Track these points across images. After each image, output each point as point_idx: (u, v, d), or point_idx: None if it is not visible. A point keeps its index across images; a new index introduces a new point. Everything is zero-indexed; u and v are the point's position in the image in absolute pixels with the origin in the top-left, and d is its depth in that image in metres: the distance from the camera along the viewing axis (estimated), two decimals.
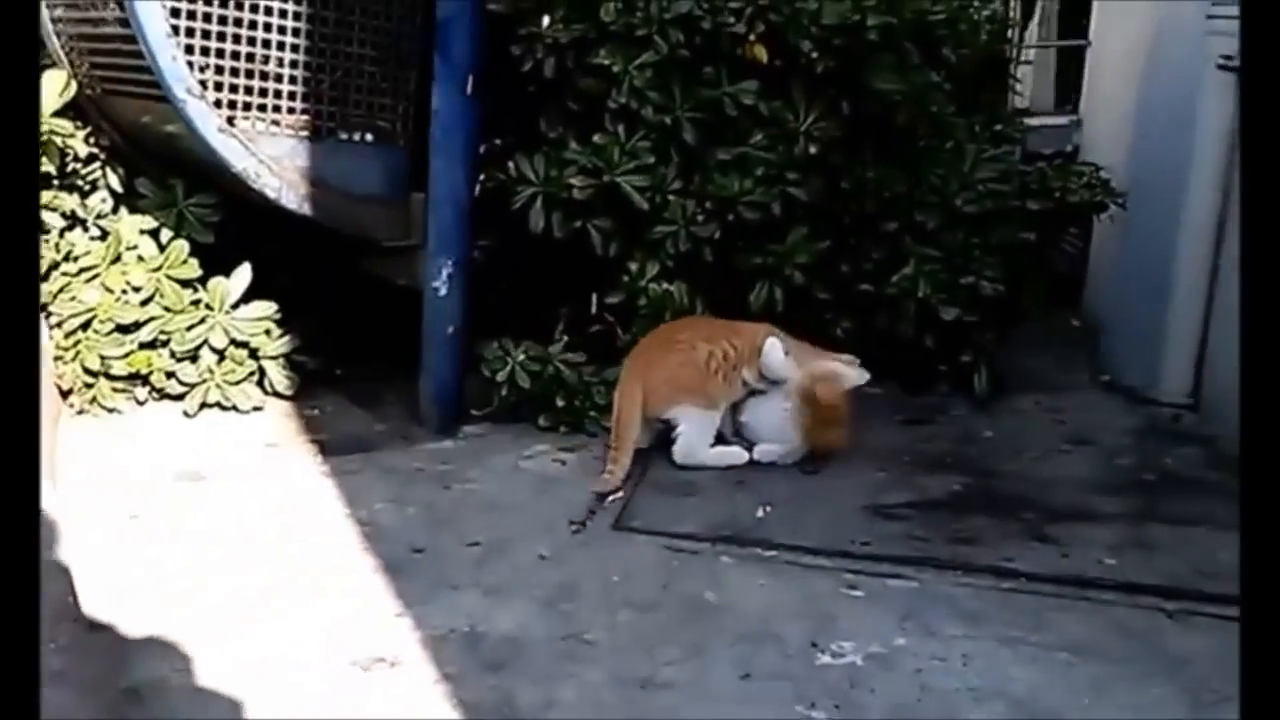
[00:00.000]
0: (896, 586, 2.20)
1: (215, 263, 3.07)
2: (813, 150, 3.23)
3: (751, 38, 3.21)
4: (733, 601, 2.12)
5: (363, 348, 3.41)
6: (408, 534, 2.34)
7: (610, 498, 2.58)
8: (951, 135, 3.58)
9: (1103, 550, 2.38)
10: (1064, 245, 4.16)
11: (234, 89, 2.75)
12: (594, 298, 3.35)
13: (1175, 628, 2.08)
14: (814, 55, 3.20)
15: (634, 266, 3.15)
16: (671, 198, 3.16)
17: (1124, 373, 4.77)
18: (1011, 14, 4.59)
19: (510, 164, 3.12)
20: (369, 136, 2.92)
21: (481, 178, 3.13)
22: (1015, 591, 2.20)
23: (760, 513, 2.52)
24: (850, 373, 2.88)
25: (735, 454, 2.81)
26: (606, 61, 3.09)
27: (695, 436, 2.77)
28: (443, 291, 2.86)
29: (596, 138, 3.11)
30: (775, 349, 2.80)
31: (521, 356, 2.98)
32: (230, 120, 2.74)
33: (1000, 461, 2.90)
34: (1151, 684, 1.88)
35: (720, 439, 2.84)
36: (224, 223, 3.11)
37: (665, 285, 3.13)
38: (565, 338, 3.19)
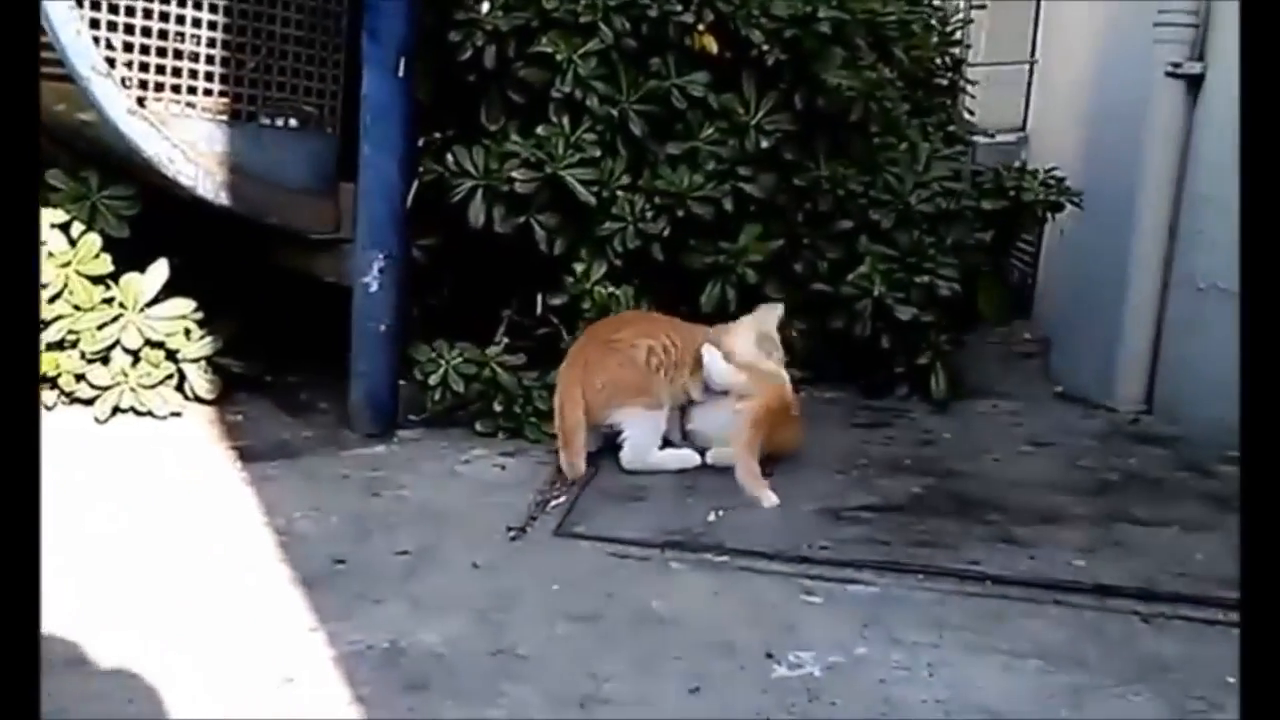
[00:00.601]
0: (856, 592, 2.06)
1: (131, 259, 2.86)
2: (764, 144, 3.12)
3: (700, 27, 3.10)
4: (682, 611, 1.96)
5: (293, 350, 3.22)
6: (329, 543, 2.16)
7: (552, 503, 2.42)
8: (904, 134, 3.50)
9: (1071, 552, 2.25)
10: (1013, 260, 4.12)
11: (145, 68, 2.56)
12: (539, 299, 3.21)
13: (1152, 632, 1.96)
14: (765, 47, 3.10)
15: (579, 267, 3.00)
16: (619, 193, 3.03)
17: (1076, 383, 4.71)
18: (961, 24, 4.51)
19: (449, 156, 2.96)
20: (294, 122, 2.74)
21: (420, 171, 2.98)
22: (982, 595, 2.07)
23: (712, 517, 2.37)
24: (782, 373, 2.75)
25: (687, 456, 2.66)
26: (549, 50, 2.95)
27: (642, 439, 2.62)
28: (373, 288, 2.68)
29: (540, 129, 2.97)
30: (714, 360, 2.66)
31: (456, 359, 2.81)
32: (140, 101, 2.55)
33: (961, 463, 2.78)
34: (1131, 693, 1.74)
35: (668, 444, 2.69)
36: (141, 216, 2.91)
37: (611, 288, 2.98)
38: (505, 340, 3.03)
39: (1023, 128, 6.10)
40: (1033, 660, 1.83)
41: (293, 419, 2.92)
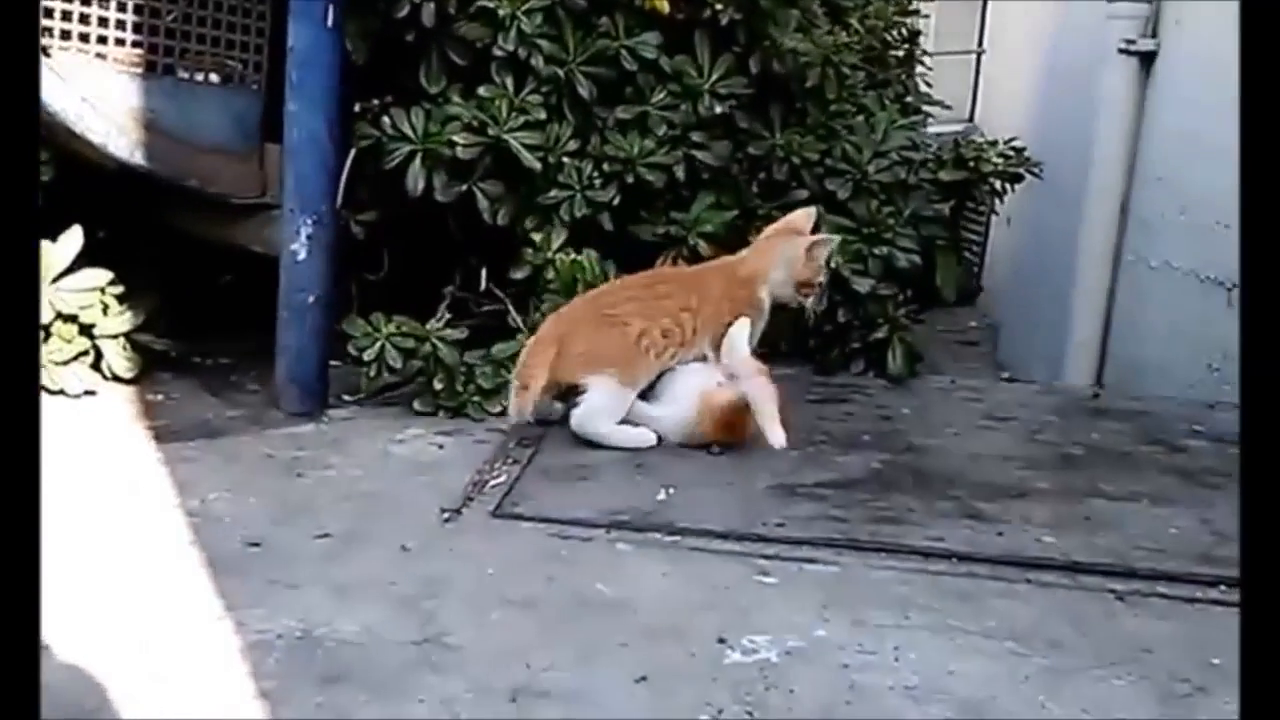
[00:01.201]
0: (815, 571, 1.92)
1: (43, 228, 2.65)
2: (718, 109, 2.98)
3: None
4: (629, 594, 1.81)
5: (225, 327, 3.03)
6: (244, 526, 1.98)
7: (491, 483, 2.26)
8: (861, 102, 3.37)
9: (1039, 527, 2.14)
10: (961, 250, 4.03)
11: (50, 14, 2.35)
12: (483, 274, 3.04)
13: (1129, 611, 1.84)
14: (718, 7, 2.95)
15: (539, 237, 2.84)
16: (566, 159, 2.87)
17: (1025, 368, 4.63)
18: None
19: (386, 119, 2.79)
20: (215, 77, 2.54)
21: (357, 137, 2.80)
22: (948, 574, 1.94)
23: (662, 495, 2.22)
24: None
25: (642, 435, 2.50)
26: (491, 4, 2.78)
27: (600, 404, 2.46)
28: (301, 255, 2.50)
29: (482, 90, 2.80)
30: (741, 341, 2.54)
31: (393, 333, 2.63)
32: (45, 50, 2.34)
33: (922, 438, 2.65)
34: (1112, 676, 1.62)
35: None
36: (54, 182, 2.69)
37: (574, 255, 2.81)
38: (448, 316, 2.86)
39: (971, 119, 6.04)
40: (1005, 642, 1.71)
41: (217, 399, 2.73)
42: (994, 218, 6.20)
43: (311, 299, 2.52)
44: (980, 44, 6.90)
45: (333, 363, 2.89)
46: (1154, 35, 4.32)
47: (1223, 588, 1.93)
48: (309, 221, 2.48)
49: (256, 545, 1.92)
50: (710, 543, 2.02)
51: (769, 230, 2.75)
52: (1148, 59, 4.30)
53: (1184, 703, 1.57)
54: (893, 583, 1.90)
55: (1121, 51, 4.33)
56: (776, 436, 2.41)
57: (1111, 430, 2.81)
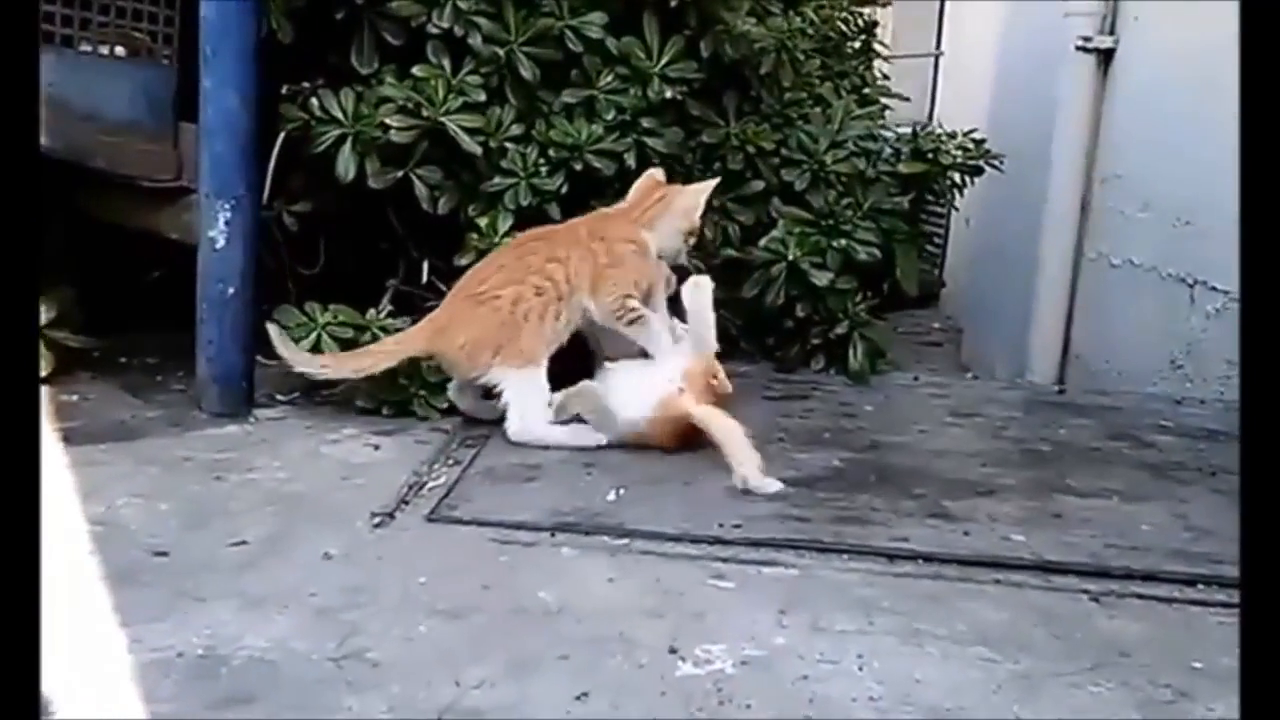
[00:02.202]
0: (773, 575, 1.79)
1: None
2: (669, 94, 2.85)
3: None
4: (572, 601, 1.67)
5: (151, 324, 2.84)
6: (152, 534, 1.82)
7: (429, 485, 2.11)
8: (817, 91, 3.27)
9: (1008, 525, 2.02)
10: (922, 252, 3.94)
11: None
12: (425, 266, 2.89)
13: (1104, 612, 1.73)
14: None
15: (484, 222, 2.69)
16: (509, 145, 2.73)
17: (989, 368, 4.56)
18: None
19: (314, 101, 2.63)
20: (120, 50, 2.37)
21: (285, 121, 2.65)
22: (914, 576, 1.82)
23: (612, 496, 2.09)
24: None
25: (579, 434, 2.36)
26: None
27: (522, 403, 2.34)
28: (220, 243, 2.33)
29: (417, 70, 2.65)
30: (661, 336, 2.45)
31: (329, 321, 2.47)
32: None
33: (885, 435, 2.54)
34: (1088, 682, 1.50)
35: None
36: None
37: None
38: (390, 306, 2.71)
39: (929, 121, 5.99)
40: (975, 647, 1.58)
41: (136, 399, 2.56)
42: (955, 218, 6.17)
43: (232, 290, 2.35)
44: (938, 46, 6.87)
45: (269, 362, 2.74)
46: (1112, 32, 4.27)
47: (1201, 586, 1.82)
48: (227, 207, 2.30)
49: (164, 554, 1.75)
50: (662, 545, 1.89)
51: (631, 194, 2.60)
52: (1106, 56, 4.26)
53: (1166, 709, 1.45)
54: (856, 585, 1.77)
55: (1079, 49, 4.28)
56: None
57: (1078, 426, 2.72)
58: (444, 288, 2.83)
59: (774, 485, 2.12)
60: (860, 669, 1.50)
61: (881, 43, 4.15)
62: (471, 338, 2.35)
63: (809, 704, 1.40)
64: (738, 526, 1.96)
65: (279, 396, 2.58)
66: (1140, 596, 1.78)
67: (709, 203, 2.97)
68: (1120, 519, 2.10)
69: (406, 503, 2.02)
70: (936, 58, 6.88)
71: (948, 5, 6.92)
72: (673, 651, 1.52)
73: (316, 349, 2.45)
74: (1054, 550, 1.92)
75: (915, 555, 1.88)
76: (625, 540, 1.90)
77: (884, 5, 5.47)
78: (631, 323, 2.42)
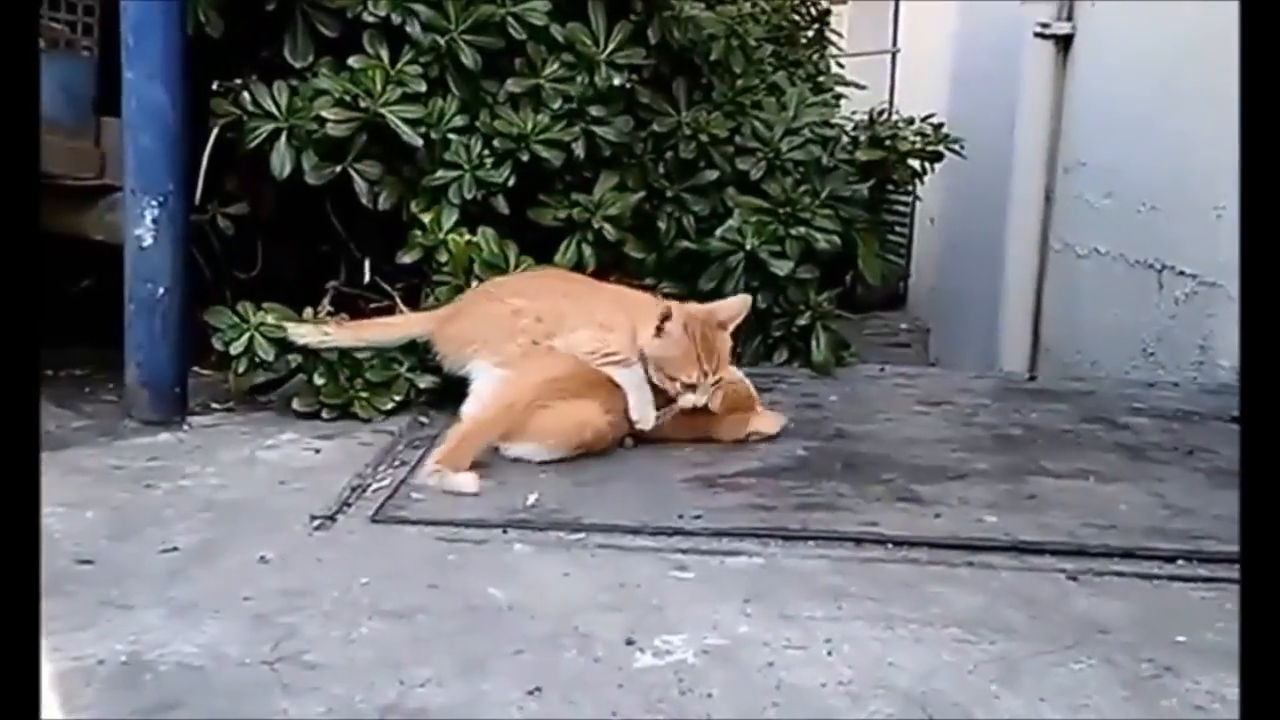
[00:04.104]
0: (737, 564, 1.71)
1: None
2: (616, 81, 2.77)
3: None
4: (525, 598, 1.57)
5: (80, 335, 2.71)
6: (76, 543, 1.70)
7: (374, 486, 2.00)
8: (770, 78, 3.21)
9: (981, 508, 1.95)
10: (886, 256, 3.90)
11: None
12: (366, 265, 2.79)
13: (1083, 591, 1.66)
14: None
15: (428, 217, 2.60)
16: (452, 136, 2.64)
17: (958, 365, 4.52)
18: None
19: (246, 94, 2.53)
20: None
21: (217, 116, 2.54)
22: (883, 561, 1.74)
23: (568, 491, 1.99)
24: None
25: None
26: None
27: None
28: (147, 241, 2.21)
29: (353, 60, 2.56)
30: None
31: (263, 322, 2.36)
32: None
33: (850, 424, 2.47)
34: (1070, 660, 1.43)
35: None
36: None
37: (468, 236, 2.58)
38: (330, 308, 2.60)
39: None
40: (949, 629, 1.50)
41: (64, 409, 2.43)
42: (919, 217, 6.15)
43: (161, 291, 2.23)
44: (894, 43, 6.86)
45: (204, 372, 2.62)
46: (1069, 18, 4.26)
47: (1181, 562, 1.76)
48: (154, 204, 2.19)
49: (88, 563, 1.63)
50: (620, 539, 1.79)
51: (692, 312, 2.26)
52: (1064, 42, 4.24)
53: (1151, 684, 1.38)
54: (824, 573, 1.69)
55: (1038, 35, 4.27)
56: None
57: (1050, 410, 2.66)
58: (387, 288, 2.75)
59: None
60: (829, 654, 1.41)
61: (836, 31, 4.08)
62: (464, 327, 2.28)
63: (775, 690, 1.31)
64: (698, 517, 1.87)
65: (214, 405, 2.47)
66: (1120, 575, 1.71)
67: (662, 194, 2.93)
68: (1097, 499, 2.03)
69: (349, 505, 1.92)
70: (894, 54, 6.88)
71: (903, 3, 6.93)
72: (630, 644, 1.43)
73: (249, 352, 2.33)
74: (1029, 531, 1.85)
75: (885, 540, 1.80)
76: (581, 535, 1.81)
77: (840, 1, 5.45)
78: (609, 364, 2.22)
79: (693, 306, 2.30)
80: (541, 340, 2.25)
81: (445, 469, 2.00)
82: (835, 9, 4.82)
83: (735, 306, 2.34)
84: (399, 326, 2.40)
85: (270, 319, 2.34)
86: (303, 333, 2.32)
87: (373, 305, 2.75)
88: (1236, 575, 1.70)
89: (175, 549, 1.70)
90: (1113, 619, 1.56)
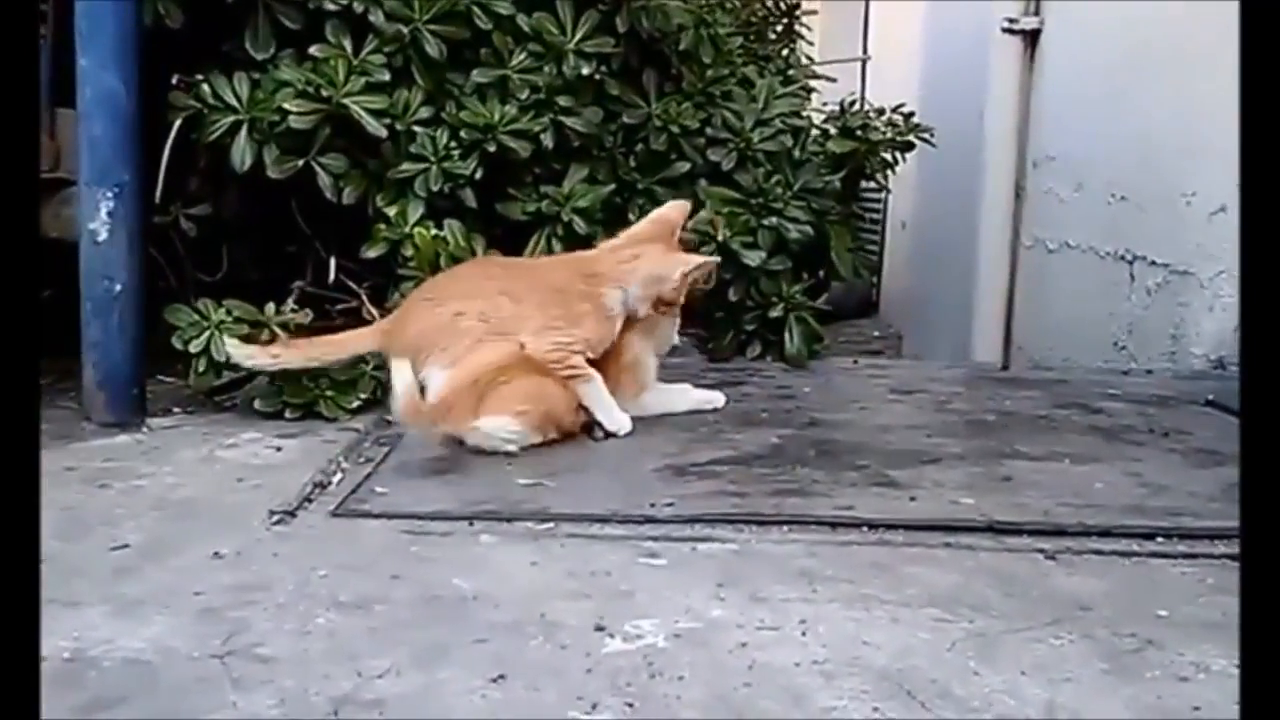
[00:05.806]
0: (710, 550, 1.66)
1: None
2: (585, 70, 2.72)
3: None
4: (490, 588, 1.52)
5: (42, 343, 2.64)
6: None
7: (335, 482, 1.95)
8: (740, 69, 3.18)
9: (956, 490, 1.92)
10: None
11: None
12: (332, 262, 2.73)
13: (1061, 569, 1.62)
14: None
15: (393, 211, 2.55)
16: (418, 128, 2.59)
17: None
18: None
19: (205, 87, 2.47)
20: None
21: (177, 108, 2.48)
22: (859, 543, 1.70)
23: (535, 482, 1.94)
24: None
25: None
26: None
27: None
28: (102, 235, 2.15)
29: (315, 50, 2.51)
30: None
31: (224, 319, 2.30)
32: None
33: (824, 413, 2.43)
34: (1049, 636, 1.39)
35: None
36: None
37: (434, 230, 2.53)
38: (294, 306, 2.54)
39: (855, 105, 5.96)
40: (926, 609, 1.46)
41: None
42: (890, 221, 6.14)
43: (118, 288, 2.16)
44: (864, 50, 6.86)
45: (168, 379, 2.56)
46: (1037, 13, 4.26)
47: (1160, 539, 1.73)
48: (109, 195, 2.12)
49: None
50: (589, 528, 1.75)
51: (638, 229, 2.40)
52: (1032, 37, 4.24)
53: (1133, 658, 1.34)
54: (798, 556, 1.64)
55: (1005, 30, 4.26)
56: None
57: (1024, 397, 2.64)
58: (353, 286, 2.69)
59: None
60: (803, 635, 1.37)
61: (806, 26, 4.06)
62: (418, 330, 2.20)
63: (748, 670, 1.27)
64: (670, 505, 1.82)
65: (175, 409, 2.41)
66: (1098, 553, 1.68)
67: (633, 186, 2.89)
68: (1073, 479, 2.00)
69: (310, 500, 1.87)
70: (864, 62, 6.89)
71: (873, 10, 6.94)
72: (599, 630, 1.38)
73: (208, 351, 2.27)
74: (1005, 512, 1.81)
75: (860, 523, 1.76)
76: (549, 525, 1.76)
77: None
78: (571, 378, 2.20)
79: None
80: (488, 337, 2.21)
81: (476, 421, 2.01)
82: (806, 18, 4.82)
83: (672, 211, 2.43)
84: (348, 343, 2.28)
85: (231, 317, 2.27)
86: (250, 354, 2.24)
87: (338, 304, 2.70)
88: (1217, 550, 1.68)
89: (126, 546, 1.64)
90: (1092, 595, 1.52)
